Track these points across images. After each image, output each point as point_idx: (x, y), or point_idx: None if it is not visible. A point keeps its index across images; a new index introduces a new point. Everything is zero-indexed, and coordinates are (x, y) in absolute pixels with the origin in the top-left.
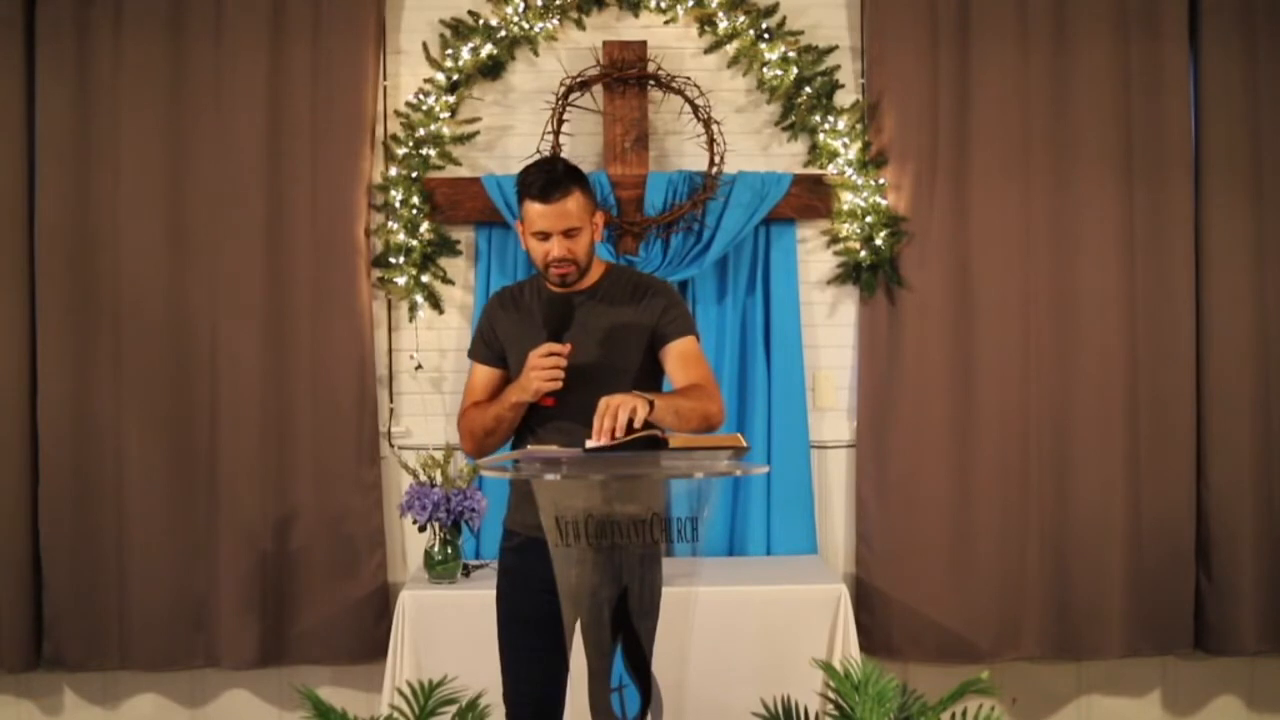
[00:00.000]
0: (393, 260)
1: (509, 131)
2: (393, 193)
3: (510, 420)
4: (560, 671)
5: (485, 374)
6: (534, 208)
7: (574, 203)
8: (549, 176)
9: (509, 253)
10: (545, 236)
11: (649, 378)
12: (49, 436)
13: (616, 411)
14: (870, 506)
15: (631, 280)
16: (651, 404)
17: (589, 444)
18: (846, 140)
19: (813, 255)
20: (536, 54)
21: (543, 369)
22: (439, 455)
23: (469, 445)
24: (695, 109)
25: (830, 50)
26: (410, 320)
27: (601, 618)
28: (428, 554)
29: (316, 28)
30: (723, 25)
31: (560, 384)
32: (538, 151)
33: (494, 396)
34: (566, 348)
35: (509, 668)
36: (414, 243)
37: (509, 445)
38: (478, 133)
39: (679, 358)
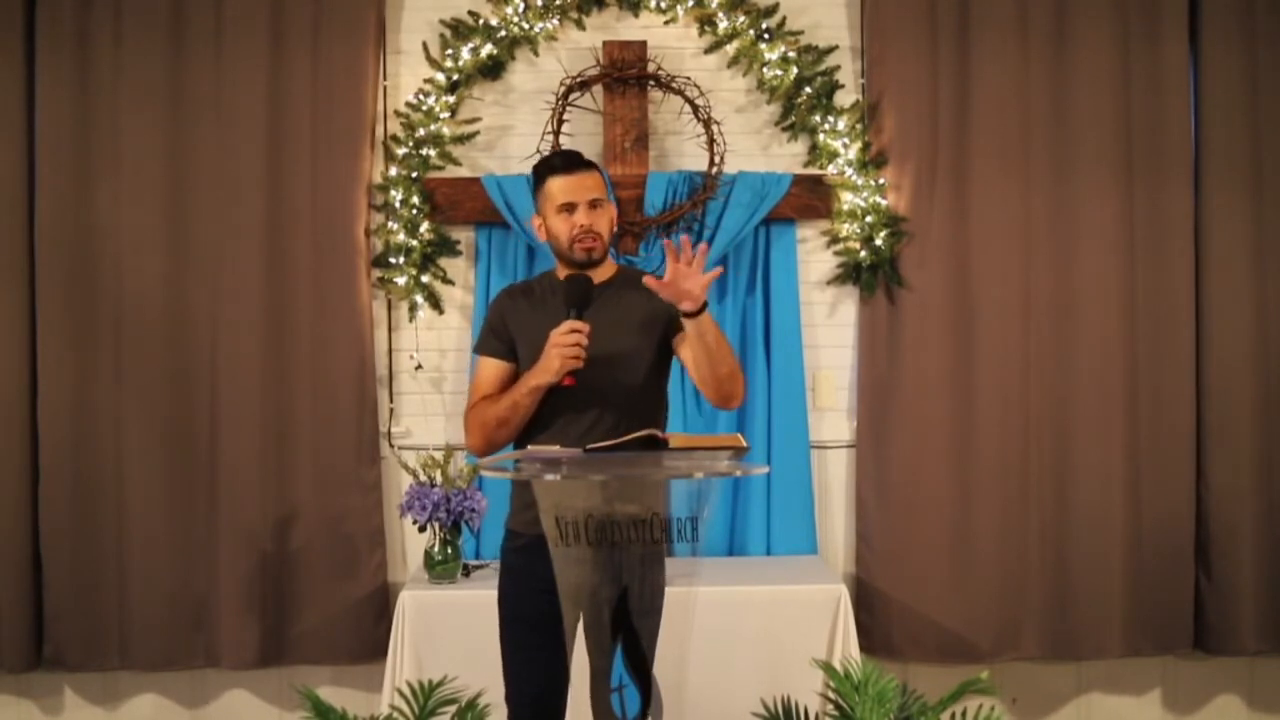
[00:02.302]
0: (393, 260)
1: (509, 131)
2: (393, 193)
3: (526, 408)
4: (562, 671)
5: (494, 368)
6: (558, 181)
7: (595, 178)
8: (569, 155)
9: (509, 253)
10: (571, 208)
11: (661, 368)
12: (49, 437)
13: (697, 283)
14: (870, 506)
15: (642, 276)
16: (704, 306)
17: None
18: (846, 140)
19: (813, 255)
20: (536, 54)
21: (565, 345)
22: (439, 455)
23: (478, 439)
24: (695, 109)
25: (830, 50)
26: (410, 320)
27: (601, 618)
28: (428, 554)
29: (316, 28)
30: (723, 25)
31: (581, 362)
32: (538, 151)
33: (503, 391)
34: (587, 326)
35: (511, 667)
36: (414, 243)
37: (512, 445)
38: (478, 133)
39: None
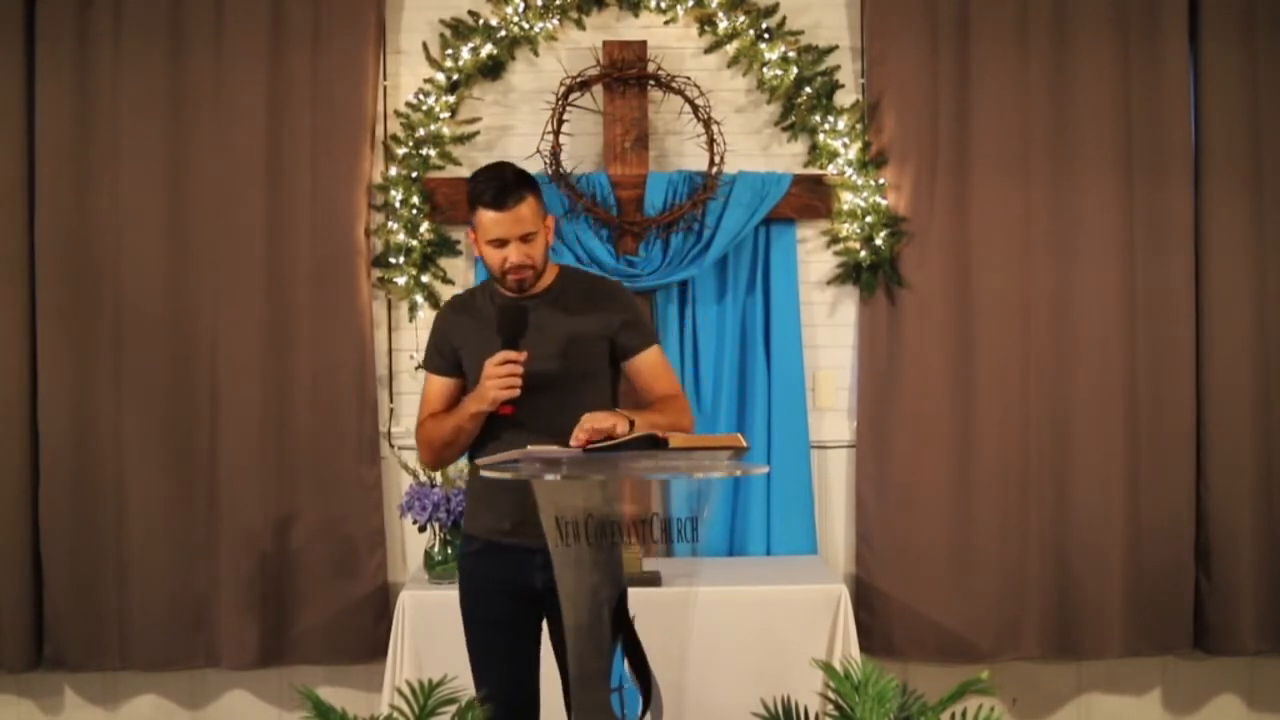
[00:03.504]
0: (393, 260)
1: (509, 131)
2: (393, 193)
3: (470, 431)
4: (525, 671)
5: (440, 384)
6: (487, 215)
7: (527, 208)
8: (500, 183)
9: None
10: (501, 244)
11: (608, 381)
12: (49, 436)
13: (595, 427)
14: (870, 506)
15: (587, 283)
16: (631, 424)
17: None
18: (846, 140)
19: (813, 255)
20: (536, 54)
21: (499, 377)
22: None
23: (427, 456)
24: (695, 109)
25: (830, 50)
26: (410, 320)
27: (601, 618)
28: (428, 554)
29: (316, 28)
30: (723, 25)
31: (518, 392)
32: (538, 152)
33: (451, 406)
34: (522, 355)
35: (476, 668)
36: (414, 243)
37: (467, 455)
38: (478, 133)
39: (649, 371)
